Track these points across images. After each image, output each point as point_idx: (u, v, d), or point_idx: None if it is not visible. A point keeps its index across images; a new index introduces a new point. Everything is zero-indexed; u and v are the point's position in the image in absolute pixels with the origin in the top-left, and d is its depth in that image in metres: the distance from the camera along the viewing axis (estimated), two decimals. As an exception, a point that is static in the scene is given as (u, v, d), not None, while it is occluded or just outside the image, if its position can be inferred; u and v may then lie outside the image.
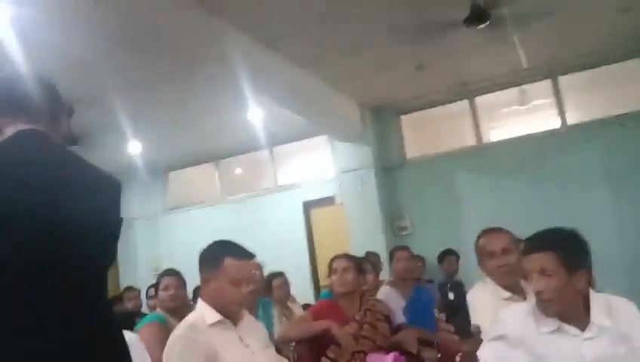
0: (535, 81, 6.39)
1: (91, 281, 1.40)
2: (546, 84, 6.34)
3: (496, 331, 1.82)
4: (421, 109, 6.89)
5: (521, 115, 6.91)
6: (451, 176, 6.55)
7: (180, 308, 2.99)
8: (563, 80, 6.27)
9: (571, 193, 5.83)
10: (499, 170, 6.31)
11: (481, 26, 4.45)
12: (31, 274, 1.24)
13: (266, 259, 3.67)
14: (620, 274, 5.29)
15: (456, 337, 1.91)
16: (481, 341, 1.85)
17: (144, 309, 5.01)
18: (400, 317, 3.38)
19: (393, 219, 6.69)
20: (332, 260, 2.96)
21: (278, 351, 2.59)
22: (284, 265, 4.45)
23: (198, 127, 6.73)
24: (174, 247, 7.28)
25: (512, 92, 6.58)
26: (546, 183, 5.97)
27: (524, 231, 1.85)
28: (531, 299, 1.82)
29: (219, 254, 2.09)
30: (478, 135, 6.63)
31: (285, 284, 4.19)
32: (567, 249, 1.70)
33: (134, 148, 6.84)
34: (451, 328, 1.95)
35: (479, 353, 1.82)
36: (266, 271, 4.10)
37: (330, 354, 2.67)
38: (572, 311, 1.69)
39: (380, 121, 6.93)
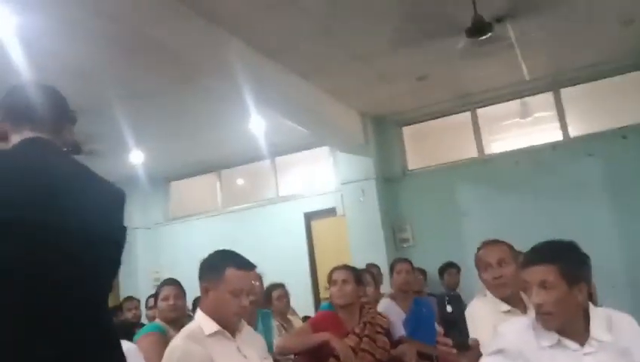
0: (537, 94, 6.40)
1: (94, 290, 1.40)
2: (548, 96, 6.36)
3: (495, 345, 1.81)
4: (423, 121, 6.91)
5: (523, 127, 6.92)
6: (453, 187, 6.54)
7: (180, 319, 2.97)
8: (565, 92, 6.28)
9: (573, 205, 5.81)
10: (500, 182, 6.30)
11: (483, 38, 4.46)
12: (32, 282, 1.24)
13: (267, 270, 3.65)
14: (621, 288, 5.26)
15: (454, 351, 1.89)
16: (479, 354, 1.83)
17: (143, 319, 4.99)
18: (400, 330, 3.35)
19: (394, 230, 6.68)
20: (331, 271, 2.95)
21: (277, 362, 2.57)
22: (284, 277, 4.43)
23: (199, 137, 6.76)
24: (175, 257, 7.27)
25: (513, 104, 6.60)
26: (548, 196, 5.96)
27: (526, 244, 1.84)
28: (531, 313, 1.80)
29: (220, 264, 2.09)
30: (480, 147, 6.63)
31: (285, 296, 4.17)
32: (567, 261, 1.69)
33: (136, 157, 6.87)
34: (449, 341, 1.93)
35: (479, 367, 1.81)
36: (266, 282, 4.09)
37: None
38: (572, 325, 1.68)
39: (382, 132, 6.94)
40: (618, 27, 5.05)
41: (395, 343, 3.00)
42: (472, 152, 6.65)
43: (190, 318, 2.73)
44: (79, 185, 1.41)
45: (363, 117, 6.76)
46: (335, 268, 2.95)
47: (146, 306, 4.68)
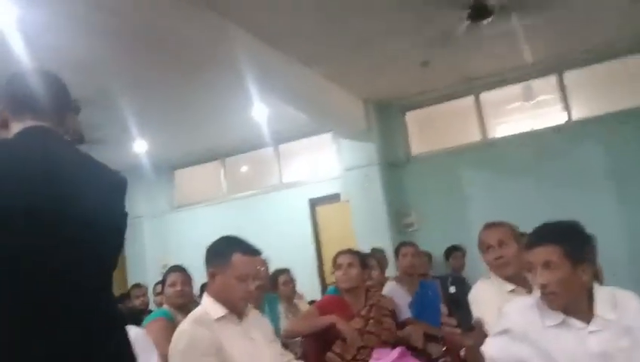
0: (540, 77, 6.36)
1: (94, 276, 1.41)
2: (552, 79, 6.32)
3: (500, 325, 1.82)
4: (426, 106, 6.88)
5: (527, 111, 6.89)
6: (457, 172, 6.54)
7: (187, 304, 3.01)
8: (569, 75, 6.24)
9: (576, 188, 5.80)
10: (504, 166, 6.29)
11: (486, 22, 4.43)
12: (35, 269, 1.25)
13: (272, 256, 3.68)
14: (625, 272, 5.24)
15: (458, 331, 1.91)
16: (484, 334, 1.85)
17: (151, 306, 5.04)
18: (406, 313, 3.38)
19: (399, 215, 6.69)
20: (336, 256, 2.96)
21: (285, 346, 2.60)
22: (290, 262, 4.47)
23: (203, 125, 6.77)
24: (181, 245, 7.31)
25: (517, 88, 6.56)
26: (552, 179, 5.95)
27: (530, 227, 1.85)
28: (536, 293, 1.82)
29: (227, 250, 2.11)
30: (484, 131, 6.61)
31: (291, 281, 4.20)
32: (571, 241, 1.69)
33: (140, 146, 6.89)
34: (454, 321, 1.95)
35: (484, 348, 1.82)
36: (272, 268, 4.13)
37: (336, 349, 2.67)
38: (576, 305, 1.69)
39: (385, 118, 6.92)
40: (627, 5, 4.93)
41: (401, 325, 3.02)
42: (476, 136, 6.63)
43: (197, 304, 2.76)
44: (81, 173, 1.41)
45: (366, 103, 6.74)
46: (340, 253, 2.97)
47: (154, 293, 4.73)
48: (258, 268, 2.41)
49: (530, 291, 2.17)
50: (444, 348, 2.87)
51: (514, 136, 6.51)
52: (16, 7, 3.47)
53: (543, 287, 1.70)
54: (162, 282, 3.32)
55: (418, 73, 6.02)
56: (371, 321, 2.81)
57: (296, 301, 4.25)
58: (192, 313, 2.15)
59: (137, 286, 5.41)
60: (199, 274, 3.20)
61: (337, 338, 2.67)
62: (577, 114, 6.21)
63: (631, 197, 5.72)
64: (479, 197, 6.29)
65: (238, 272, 2.07)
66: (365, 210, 6.55)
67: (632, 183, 5.72)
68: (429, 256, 5.69)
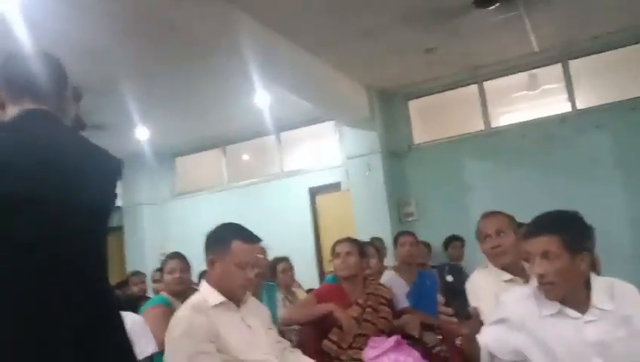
0: (545, 65, 6.30)
1: (98, 266, 1.41)
2: (557, 68, 6.26)
3: (497, 314, 1.82)
4: (430, 94, 6.84)
5: (531, 100, 6.84)
6: (459, 161, 6.51)
7: (185, 291, 3.01)
8: (574, 64, 6.17)
9: (581, 179, 5.76)
10: (507, 155, 6.25)
11: (491, 8, 4.38)
12: (41, 262, 1.23)
13: (272, 244, 3.68)
14: (629, 264, 5.22)
15: (455, 320, 1.91)
16: (480, 323, 1.85)
17: (149, 293, 5.05)
18: (403, 302, 3.38)
19: (399, 205, 6.67)
20: (335, 244, 2.97)
21: (282, 334, 2.60)
22: (289, 251, 4.46)
23: (205, 112, 6.74)
24: (181, 233, 7.32)
25: (522, 76, 6.50)
26: (556, 169, 5.91)
27: (532, 218, 1.83)
28: (533, 282, 1.81)
29: (226, 237, 2.10)
30: (487, 120, 6.57)
31: (290, 269, 4.20)
32: (569, 232, 1.68)
33: (142, 133, 6.87)
34: (450, 311, 1.96)
35: (480, 336, 1.82)
36: (271, 256, 4.13)
37: (333, 337, 2.68)
38: (574, 295, 1.69)
39: (388, 106, 6.89)
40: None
41: (398, 314, 3.03)
42: (479, 125, 6.59)
43: (195, 291, 2.76)
44: (84, 161, 1.39)
45: (369, 91, 6.70)
46: (338, 241, 2.97)
47: (152, 280, 4.74)
48: (257, 255, 2.40)
49: (527, 281, 2.16)
50: (440, 337, 2.88)
51: (517, 125, 6.46)
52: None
53: (541, 277, 1.69)
54: (161, 269, 3.32)
55: (422, 61, 5.97)
56: (368, 309, 2.81)
57: (294, 289, 4.25)
58: (189, 299, 2.15)
59: (136, 273, 5.42)
60: (198, 262, 3.20)
61: (334, 326, 2.68)
62: (583, 103, 6.15)
63: (638, 187, 5.67)
64: (481, 187, 6.27)
65: (238, 259, 2.06)
66: (366, 199, 6.53)
67: (638, 173, 5.67)
68: (428, 245, 5.69)
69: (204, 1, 4.02)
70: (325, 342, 2.67)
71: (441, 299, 2.04)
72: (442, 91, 6.76)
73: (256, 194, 7.56)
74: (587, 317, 1.65)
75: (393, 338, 2.58)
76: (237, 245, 2.08)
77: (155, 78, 5.45)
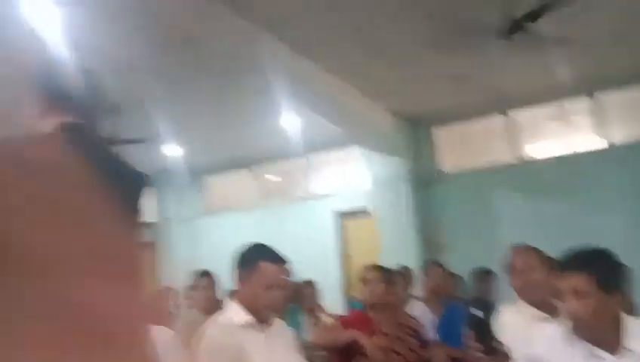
0: (576, 97, 6.25)
1: None
2: (587, 100, 6.20)
3: (526, 352, 1.80)
4: (457, 122, 6.83)
5: (562, 132, 6.76)
6: (489, 192, 6.45)
7: (213, 309, 3.04)
8: (604, 96, 6.11)
9: (611, 215, 5.65)
10: (538, 188, 6.18)
11: (518, 38, 4.38)
12: None
13: (298, 266, 3.70)
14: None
15: (483, 356, 1.89)
16: (507, 360, 1.82)
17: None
18: (430, 333, 3.34)
19: (427, 233, 6.62)
20: (363, 270, 2.96)
21: (308, 359, 2.60)
22: (314, 274, 4.48)
23: (235, 132, 6.86)
24: (209, 250, 7.41)
25: (551, 107, 6.46)
26: (586, 204, 5.82)
27: (561, 252, 1.82)
28: (563, 321, 1.78)
29: (254, 257, 2.13)
30: (517, 151, 6.52)
31: (315, 293, 4.21)
32: (602, 270, 1.66)
33: (173, 151, 7.02)
34: (479, 346, 1.93)
35: (508, 373, 1.80)
36: (297, 279, 4.14)
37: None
38: (605, 335, 1.66)
39: (415, 133, 6.91)
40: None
41: (425, 345, 2.99)
42: (509, 156, 6.54)
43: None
44: (115, 177, 1.46)
45: (397, 117, 6.74)
46: (367, 268, 2.96)
47: (183, 296, 4.79)
48: (284, 277, 2.43)
49: (557, 318, 2.12)
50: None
51: (548, 158, 6.39)
52: (60, 6, 3.59)
53: (572, 315, 1.67)
54: (191, 286, 3.37)
55: (450, 88, 6.00)
56: (395, 339, 2.79)
57: (318, 313, 4.25)
58: (216, 318, 2.18)
59: (167, 289, 5.48)
60: (225, 280, 3.27)
61: (359, 354, 2.66)
62: (613, 137, 6.07)
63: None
64: (511, 219, 6.19)
65: (265, 280, 2.09)
66: (393, 226, 6.51)
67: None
68: (457, 277, 5.60)
69: (233, 23, 4.12)
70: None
71: (469, 333, 2.02)
72: (470, 120, 6.74)
73: (283, 215, 7.62)
74: (618, 358, 1.62)
75: (418, 370, 2.56)
76: (264, 265, 2.11)
77: (186, 96, 5.59)
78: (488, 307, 4.77)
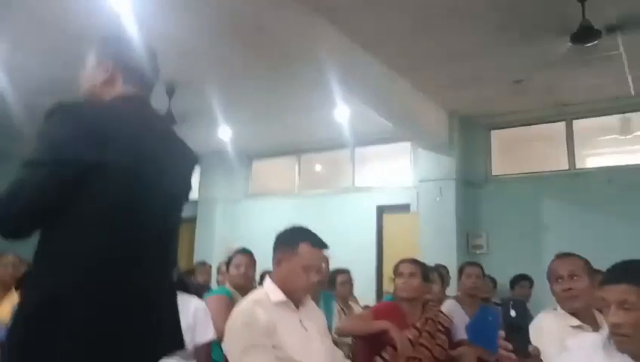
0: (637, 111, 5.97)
1: (171, 238, 1.53)
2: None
3: (561, 359, 1.75)
4: (513, 126, 6.66)
5: (621, 145, 6.48)
6: (537, 199, 6.27)
7: (247, 287, 3.11)
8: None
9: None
10: (590, 198, 5.96)
11: (589, 45, 4.21)
12: (130, 223, 1.35)
13: (334, 255, 3.71)
14: None
15: (514, 356, 1.85)
16: (539, 364, 1.78)
17: (213, 284, 5.22)
18: (461, 334, 3.29)
19: (469, 235, 6.52)
20: (399, 263, 2.93)
21: (335, 344, 2.61)
22: (350, 265, 4.48)
23: (285, 119, 6.93)
24: (248, 232, 7.54)
25: (613, 119, 6.20)
26: (637, 217, 5.57)
27: (608, 266, 1.76)
28: (603, 331, 1.73)
29: (295, 238, 2.17)
30: (572, 160, 6.30)
31: (349, 282, 4.22)
32: (650, 283, 1.60)
33: (224, 133, 7.16)
34: (510, 346, 1.89)
35: (540, 378, 1.76)
36: (332, 267, 4.16)
37: (385, 356, 2.65)
38: (646, 349, 1.59)
39: (468, 134, 6.77)
40: None
41: (455, 344, 2.95)
42: (563, 164, 6.33)
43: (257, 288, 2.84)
44: (167, 145, 1.52)
45: (450, 116, 6.63)
46: (403, 261, 2.93)
47: (218, 272, 4.91)
48: (322, 261, 2.45)
49: (596, 329, 2.06)
50: (497, 376, 2.77)
51: (604, 168, 6.15)
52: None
53: (615, 327, 1.61)
54: (228, 262, 3.44)
55: (509, 91, 5.84)
56: (425, 334, 2.76)
57: (351, 303, 4.26)
58: (252, 293, 2.22)
59: (202, 263, 5.63)
60: (261, 262, 3.32)
61: (388, 345, 2.66)
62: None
63: None
64: (557, 228, 6.01)
65: (304, 262, 2.12)
66: (434, 224, 6.43)
67: None
68: (493, 281, 5.50)
69: (294, 11, 4.15)
70: (377, 359, 2.66)
71: (501, 333, 1.97)
72: (527, 125, 6.56)
73: (325, 204, 7.65)
74: (658, 375, 1.56)
75: (447, 367, 2.53)
76: (304, 248, 2.14)
77: (242, 82, 5.68)
78: (525, 311, 4.67)
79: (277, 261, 2.20)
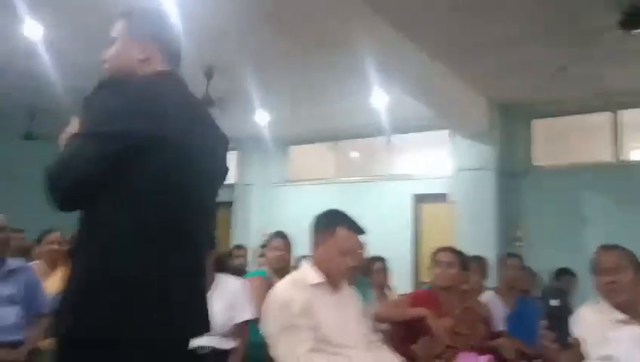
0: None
1: (210, 217, 1.55)
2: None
3: (604, 350, 1.72)
4: (556, 116, 6.47)
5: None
6: (580, 190, 6.10)
7: (284, 269, 3.14)
8: None
9: None
10: (635, 192, 5.75)
11: (638, 31, 4.03)
12: (172, 198, 1.36)
13: (371, 242, 3.70)
14: None
15: (555, 345, 1.81)
16: (580, 355, 1.74)
17: (249, 267, 5.31)
18: (499, 325, 3.26)
19: (507, 227, 6.39)
20: (436, 252, 2.90)
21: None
22: (386, 253, 4.46)
23: (322, 105, 6.92)
24: (285, 217, 7.61)
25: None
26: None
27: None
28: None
29: (333, 222, 2.19)
30: (617, 152, 6.08)
31: (385, 270, 4.21)
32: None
33: (262, 118, 7.20)
34: (553, 335, 1.85)
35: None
36: (368, 254, 4.14)
37: (422, 343, 2.65)
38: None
39: (509, 123, 6.62)
40: None
41: (494, 335, 2.92)
42: (607, 156, 6.13)
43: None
44: (204, 125, 1.53)
45: (491, 104, 6.48)
46: (441, 249, 2.90)
47: (256, 254, 4.98)
48: (359, 246, 2.45)
49: (638, 323, 1.99)
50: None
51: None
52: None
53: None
54: (265, 245, 3.48)
55: (552, 80, 5.66)
56: (463, 324, 2.74)
57: (386, 291, 4.25)
58: (290, 275, 2.25)
59: (239, 246, 5.71)
60: (296, 246, 3.35)
61: (425, 332, 2.64)
62: None
63: None
64: (599, 221, 5.83)
65: (340, 245, 2.13)
66: (472, 214, 6.33)
67: None
68: (533, 274, 5.38)
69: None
70: (414, 346, 2.65)
71: (543, 322, 1.94)
72: (571, 114, 6.36)
73: (361, 192, 7.63)
74: None
75: (486, 357, 2.50)
76: (342, 231, 2.15)
77: (280, 67, 5.68)
78: (566, 303, 4.57)
79: (315, 244, 2.22)
